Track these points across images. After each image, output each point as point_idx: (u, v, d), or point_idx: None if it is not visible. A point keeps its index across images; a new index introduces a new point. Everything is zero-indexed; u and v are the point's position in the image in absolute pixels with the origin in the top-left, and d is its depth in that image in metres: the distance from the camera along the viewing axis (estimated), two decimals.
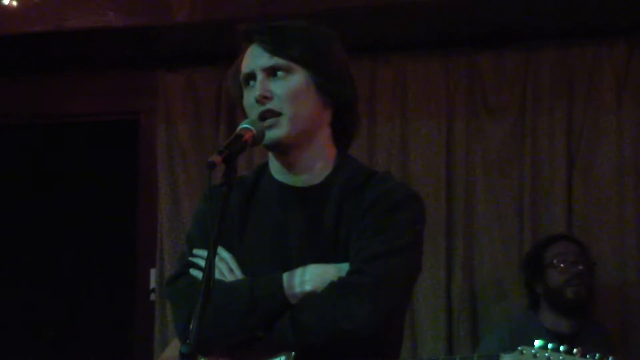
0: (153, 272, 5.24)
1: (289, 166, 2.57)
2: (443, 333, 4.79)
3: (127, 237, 5.49)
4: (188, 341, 2.09)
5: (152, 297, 5.23)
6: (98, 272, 6.03)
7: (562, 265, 4.35)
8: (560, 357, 2.15)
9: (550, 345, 2.18)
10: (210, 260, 2.18)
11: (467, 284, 4.84)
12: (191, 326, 2.11)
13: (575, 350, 2.16)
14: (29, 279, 5.95)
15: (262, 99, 2.49)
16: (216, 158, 2.25)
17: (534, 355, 2.18)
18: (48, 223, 6.03)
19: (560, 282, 4.33)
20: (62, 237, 6.03)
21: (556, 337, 4.09)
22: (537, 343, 2.19)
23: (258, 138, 2.44)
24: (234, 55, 2.64)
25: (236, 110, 2.64)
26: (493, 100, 4.96)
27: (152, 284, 5.25)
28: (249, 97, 2.54)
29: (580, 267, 4.35)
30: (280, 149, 2.54)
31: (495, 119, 4.95)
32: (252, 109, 2.52)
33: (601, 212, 4.79)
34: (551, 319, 4.33)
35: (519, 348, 2.20)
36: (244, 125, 2.43)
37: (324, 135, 2.59)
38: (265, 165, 2.66)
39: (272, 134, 2.49)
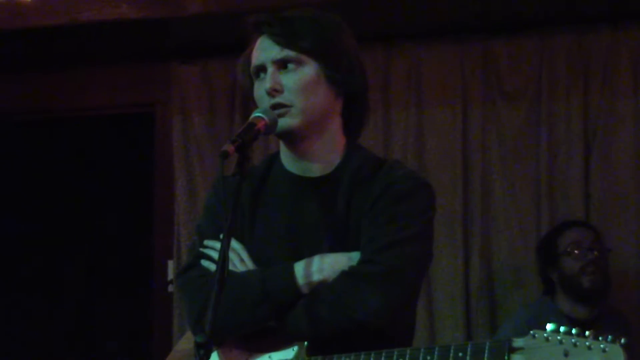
0: (170, 264, 5.25)
1: (300, 155, 2.59)
2: (461, 321, 4.80)
3: (144, 229, 5.51)
4: (203, 331, 2.11)
5: (170, 288, 5.25)
6: (116, 264, 6.05)
7: (576, 252, 4.34)
8: (573, 340, 2.15)
9: (562, 328, 2.18)
10: (224, 250, 2.20)
11: (484, 271, 4.84)
12: (206, 316, 2.13)
13: (587, 332, 2.17)
14: (47, 271, 5.98)
15: (273, 92, 2.51)
16: (229, 147, 2.26)
17: (546, 339, 2.18)
18: (66, 215, 6.06)
19: (576, 269, 4.32)
20: (80, 230, 6.06)
21: (573, 324, 4.08)
22: (549, 326, 2.19)
23: (271, 126, 2.45)
24: (247, 46, 2.65)
25: (250, 104, 2.64)
26: (509, 86, 4.96)
27: (170, 275, 5.27)
28: (260, 89, 2.55)
29: (596, 253, 4.34)
30: (292, 138, 2.56)
31: (511, 104, 4.94)
32: (263, 101, 2.53)
33: (618, 197, 4.78)
34: (568, 305, 4.33)
35: (531, 332, 2.21)
36: (256, 114, 2.45)
37: (335, 126, 2.60)
38: (275, 155, 2.67)
39: (283, 123, 2.50)
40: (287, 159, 2.62)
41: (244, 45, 2.66)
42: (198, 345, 2.09)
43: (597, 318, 4.27)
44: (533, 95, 4.92)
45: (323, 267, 2.45)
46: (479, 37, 4.97)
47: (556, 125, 4.87)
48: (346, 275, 2.43)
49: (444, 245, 4.75)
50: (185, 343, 2.71)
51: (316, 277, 2.44)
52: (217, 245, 2.46)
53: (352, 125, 2.64)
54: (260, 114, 2.44)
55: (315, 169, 2.58)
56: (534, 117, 4.91)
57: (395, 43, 5.04)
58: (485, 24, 4.92)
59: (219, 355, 2.56)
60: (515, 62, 4.95)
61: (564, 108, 4.86)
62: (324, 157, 2.58)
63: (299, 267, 2.46)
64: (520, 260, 4.78)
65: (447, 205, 4.78)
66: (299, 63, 2.52)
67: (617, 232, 4.74)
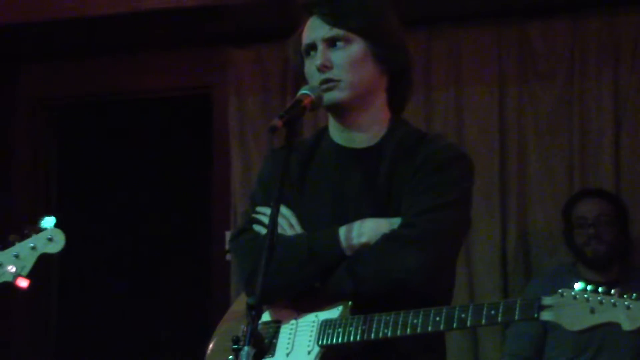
0: (228, 235, 5.27)
1: (347, 127, 2.61)
2: (499, 286, 4.78)
3: (203, 203, 5.55)
4: (255, 293, 2.14)
5: (228, 257, 5.28)
6: (177, 235, 6.10)
7: (580, 226, 4.41)
8: (599, 298, 2.15)
9: (589, 287, 2.18)
10: (273, 217, 2.22)
11: (520, 238, 4.82)
12: (257, 279, 2.16)
13: (613, 290, 2.16)
14: (115, 241, 6.03)
15: (323, 68, 2.53)
16: (277, 122, 2.31)
17: (574, 297, 2.18)
18: (132, 190, 6.11)
19: (580, 242, 4.41)
20: (144, 204, 6.11)
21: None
22: (578, 286, 2.20)
23: (316, 103, 2.48)
24: (297, 27, 2.66)
25: (301, 82, 2.66)
26: (542, 66, 4.91)
27: (227, 245, 5.29)
28: (310, 66, 2.57)
29: (592, 230, 4.37)
30: (339, 110, 2.58)
31: (545, 84, 4.90)
32: (313, 77, 2.55)
33: None
34: (583, 270, 4.40)
35: (560, 291, 2.21)
36: (303, 91, 2.48)
37: (380, 100, 2.62)
38: (324, 129, 2.69)
39: (332, 96, 2.53)
40: (334, 131, 2.64)
41: (294, 30, 2.68)
42: (249, 307, 2.12)
43: (617, 281, 4.26)
44: (566, 74, 4.88)
45: (365, 231, 2.47)
46: (515, 20, 4.94)
47: (588, 102, 4.83)
48: (387, 238, 2.45)
49: (482, 214, 4.73)
50: (238, 304, 2.73)
51: (359, 240, 2.46)
52: (268, 211, 2.49)
53: (397, 100, 2.65)
54: (306, 91, 2.47)
55: (361, 141, 2.60)
56: (566, 95, 4.87)
57: (436, 26, 5.02)
58: (520, 8, 4.89)
59: (270, 314, 2.59)
60: (548, 43, 4.90)
61: (595, 86, 4.82)
62: (369, 129, 2.60)
63: (343, 231, 2.48)
64: (553, 228, 4.75)
65: (485, 178, 4.76)
66: (347, 41, 2.54)
67: None
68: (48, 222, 3.47)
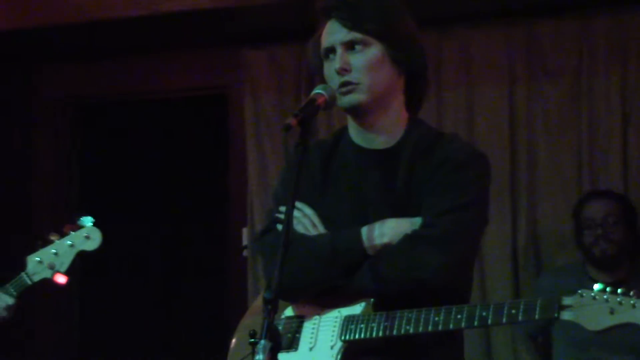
0: (245, 231, 5.28)
1: (366, 129, 2.60)
2: (510, 281, 4.78)
3: (220, 200, 5.55)
4: (271, 288, 2.13)
5: (245, 253, 5.28)
6: (195, 232, 6.09)
7: (589, 229, 4.39)
8: (618, 299, 2.15)
9: (608, 289, 2.17)
10: (288, 214, 2.22)
11: (530, 234, 4.81)
12: (274, 275, 2.15)
13: (632, 292, 2.15)
14: (135, 239, 6.03)
15: (342, 71, 2.53)
16: (292, 121, 2.31)
17: (593, 298, 2.18)
18: (151, 188, 6.11)
19: (588, 242, 4.39)
20: (162, 201, 6.11)
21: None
22: (597, 286, 2.19)
23: (330, 102, 2.47)
24: (312, 32, 2.66)
25: (315, 82, 2.65)
26: (551, 65, 4.89)
27: (244, 241, 5.30)
28: (330, 68, 2.57)
29: (599, 231, 4.35)
30: (359, 112, 2.58)
31: (554, 81, 4.89)
32: (333, 80, 2.54)
33: None
34: (594, 270, 4.38)
35: (579, 291, 2.20)
36: (317, 90, 2.47)
37: (398, 101, 2.61)
38: (343, 130, 2.68)
39: (351, 98, 2.53)
40: (354, 132, 2.63)
41: (308, 32, 2.67)
42: (265, 301, 2.12)
43: (626, 280, 4.26)
44: (574, 73, 4.86)
45: (387, 231, 2.46)
46: (524, 19, 4.92)
47: (596, 100, 4.81)
48: (408, 238, 2.44)
49: (492, 210, 4.60)
50: (260, 300, 2.73)
51: (381, 240, 2.46)
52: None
53: (413, 101, 2.65)
54: (320, 91, 2.47)
55: (380, 141, 2.59)
56: (575, 92, 4.85)
57: (447, 27, 5.01)
58: (529, 7, 4.87)
59: (293, 310, 2.59)
60: (557, 42, 4.89)
61: (603, 84, 4.80)
62: (388, 130, 2.59)
63: (365, 231, 2.48)
64: (563, 225, 4.74)
65: (495, 175, 4.67)
66: (365, 44, 2.54)
67: None
68: (86, 221, 3.54)
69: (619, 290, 2.15)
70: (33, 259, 3.57)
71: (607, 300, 2.15)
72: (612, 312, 2.14)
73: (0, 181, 5.63)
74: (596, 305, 2.16)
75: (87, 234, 3.55)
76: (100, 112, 5.99)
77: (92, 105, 5.86)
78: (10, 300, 3.56)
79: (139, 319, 5.88)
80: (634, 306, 2.12)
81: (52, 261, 3.56)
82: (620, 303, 2.14)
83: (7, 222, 5.54)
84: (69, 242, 3.55)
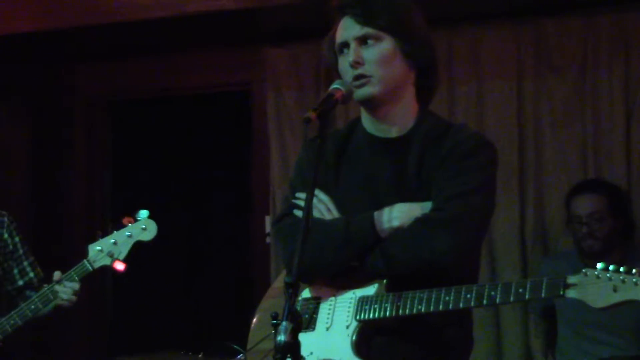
0: (268, 219, 5.27)
1: (379, 119, 2.59)
2: (518, 264, 4.76)
3: (245, 189, 5.53)
4: (292, 272, 2.12)
5: (268, 240, 5.27)
6: (221, 221, 6.09)
7: (575, 224, 4.32)
8: (621, 277, 2.12)
9: (611, 267, 2.14)
10: (308, 201, 2.19)
11: (538, 221, 4.79)
12: (294, 259, 2.13)
13: (634, 270, 2.12)
14: (164, 229, 6.04)
15: (355, 64, 2.52)
16: (311, 114, 2.29)
17: (597, 276, 2.15)
18: (179, 179, 6.12)
19: (576, 237, 4.33)
20: (190, 192, 6.11)
21: None
22: (599, 265, 2.15)
23: (347, 96, 2.46)
24: (331, 27, 2.64)
25: (333, 78, 2.63)
26: (557, 61, 4.86)
27: (267, 229, 5.29)
28: (344, 63, 2.56)
29: (584, 229, 4.26)
30: (372, 104, 2.57)
31: (560, 77, 4.85)
32: (347, 73, 2.54)
33: None
34: (586, 258, 4.29)
35: (583, 270, 2.17)
36: (334, 85, 2.46)
37: (409, 93, 2.59)
38: (357, 120, 2.68)
39: (364, 91, 2.52)
40: (367, 123, 2.63)
41: (327, 30, 2.66)
42: (287, 285, 2.10)
43: (620, 263, 4.17)
44: (579, 68, 4.82)
45: (398, 215, 2.45)
46: (531, 17, 4.89)
47: (600, 94, 4.77)
48: (418, 221, 2.43)
49: (502, 198, 4.66)
50: (279, 282, 2.74)
51: (393, 223, 2.44)
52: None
53: (424, 93, 2.64)
54: (337, 86, 2.46)
55: (392, 131, 2.58)
56: (580, 87, 4.82)
57: (457, 25, 4.97)
58: (536, 5, 4.84)
59: (310, 292, 2.59)
60: (563, 39, 4.85)
61: (606, 79, 4.76)
62: (399, 121, 2.58)
63: (377, 215, 2.46)
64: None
65: (504, 165, 4.70)
66: (377, 39, 2.52)
67: None
68: (143, 214, 3.71)
69: (622, 269, 2.12)
70: (94, 248, 3.73)
71: (610, 279, 2.12)
72: (615, 290, 2.11)
73: (40, 173, 5.66)
74: (600, 283, 2.14)
75: (144, 225, 3.72)
76: (130, 108, 5.98)
77: (122, 101, 5.86)
78: (76, 286, 3.75)
79: (167, 301, 5.89)
80: (636, 284, 2.09)
81: (111, 250, 3.70)
82: (623, 281, 2.11)
83: (45, 210, 5.61)
84: (127, 233, 3.71)
